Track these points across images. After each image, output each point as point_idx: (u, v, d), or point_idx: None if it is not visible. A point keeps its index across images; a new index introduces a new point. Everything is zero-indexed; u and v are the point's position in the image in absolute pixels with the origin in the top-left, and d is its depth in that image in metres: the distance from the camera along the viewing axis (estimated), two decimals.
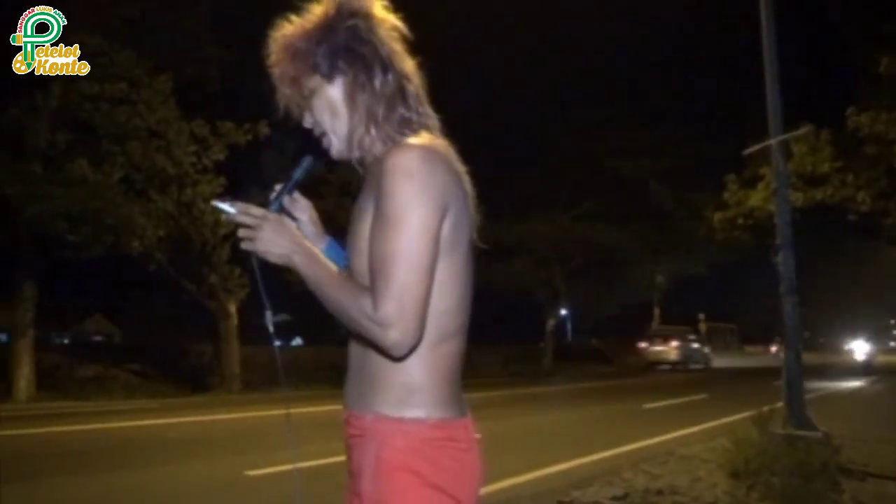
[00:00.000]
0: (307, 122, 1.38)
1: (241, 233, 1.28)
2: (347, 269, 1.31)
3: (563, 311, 31.73)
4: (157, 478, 6.10)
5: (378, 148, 1.32)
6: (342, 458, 1.35)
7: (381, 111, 1.31)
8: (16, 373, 13.05)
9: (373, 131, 1.31)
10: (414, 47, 1.37)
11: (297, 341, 33.42)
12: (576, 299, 30.49)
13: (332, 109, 1.34)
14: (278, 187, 1.38)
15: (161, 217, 13.93)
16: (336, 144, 1.36)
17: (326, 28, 1.31)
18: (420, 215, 1.18)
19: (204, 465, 6.60)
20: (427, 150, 1.24)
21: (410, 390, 1.24)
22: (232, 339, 15.71)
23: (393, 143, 1.29)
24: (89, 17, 12.77)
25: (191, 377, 15.95)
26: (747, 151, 7.96)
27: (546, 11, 27.09)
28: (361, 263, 1.25)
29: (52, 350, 18.33)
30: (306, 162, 1.37)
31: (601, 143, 25.47)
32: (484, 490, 4.43)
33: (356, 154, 1.36)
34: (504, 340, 28.15)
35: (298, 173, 1.38)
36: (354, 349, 1.32)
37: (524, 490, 5.54)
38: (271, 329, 1.40)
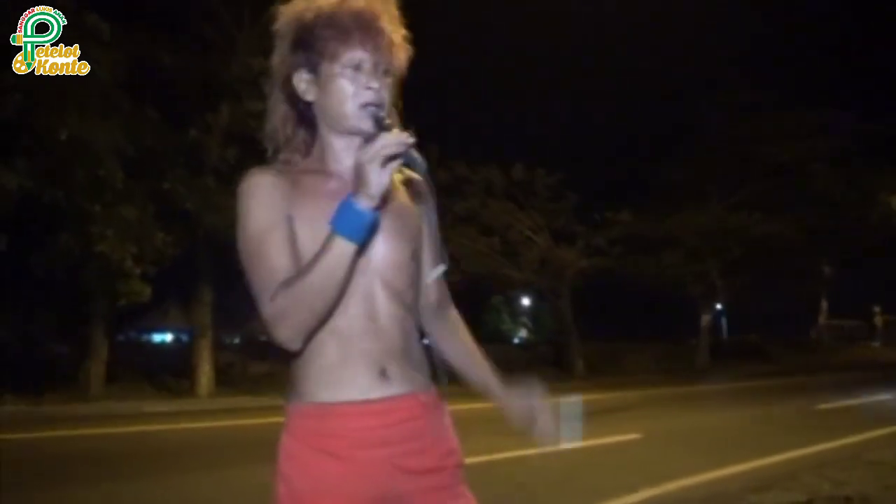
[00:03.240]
0: (374, 89, 1.34)
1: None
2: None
3: (718, 307, 30.15)
4: None
5: None
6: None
7: None
8: (198, 370, 14.33)
9: None
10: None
11: None
12: (732, 294, 28.82)
13: (395, 96, 1.39)
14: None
15: None
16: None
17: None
18: None
19: None
20: None
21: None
22: None
23: None
24: (258, 43, 13.80)
25: None
26: None
27: None
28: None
29: (226, 349, 19.94)
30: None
31: (756, 127, 23.97)
32: (651, 492, 4.32)
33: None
34: (654, 338, 27.23)
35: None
36: (397, 333, 1.35)
37: (694, 493, 5.35)
38: (429, 280, 1.46)
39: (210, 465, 6.50)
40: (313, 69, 1.34)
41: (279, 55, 1.39)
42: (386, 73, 1.35)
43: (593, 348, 23.66)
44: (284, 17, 1.38)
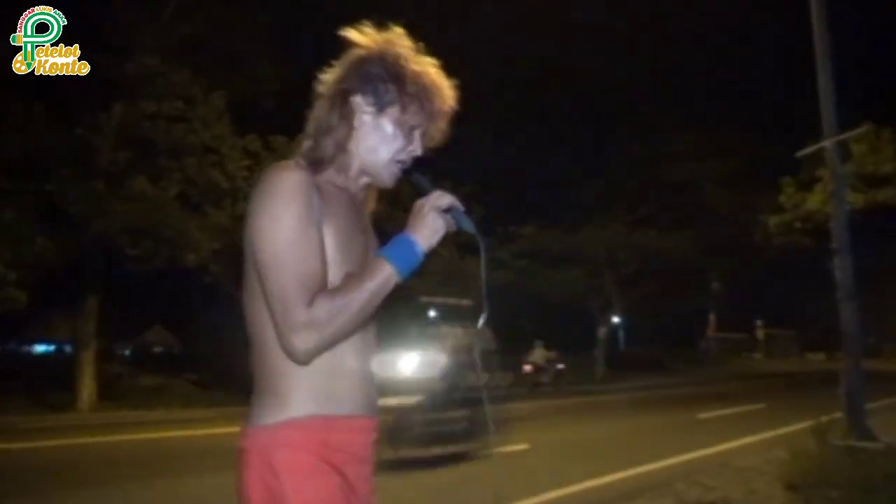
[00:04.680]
0: (415, 155, 1.47)
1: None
2: None
3: (616, 319, 31.26)
4: (209, 485, 6.24)
5: None
6: None
7: None
8: (79, 383, 13.52)
9: None
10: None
11: None
12: (629, 307, 29.99)
13: None
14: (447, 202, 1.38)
15: (215, 230, 14.30)
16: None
17: None
18: None
19: None
20: None
21: None
22: None
23: None
24: (150, 40, 13.29)
25: (246, 387, 16.21)
26: (801, 154, 7.74)
27: (599, 18, 26.92)
28: None
29: (115, 360, 18.97)
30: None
31: (655, 149, 25.14)
32: (532, 501, 4.39)
33: None
34: (556, 349, 27.82)
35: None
36: (373, 351, 1.41)
37: (571, 501, 5.49)
38: (479, 327, 1.45)
39: (80, 484, 6.15)
40: (380, 106, 1.40)
41: (348, 71, 1.42)
42: (425, 146, 1.46)
43: None
44: (382, 45, 1.41)
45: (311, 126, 1.43)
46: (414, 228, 1.32)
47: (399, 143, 1.42)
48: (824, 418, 6.55)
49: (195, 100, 13.78)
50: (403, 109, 1.40)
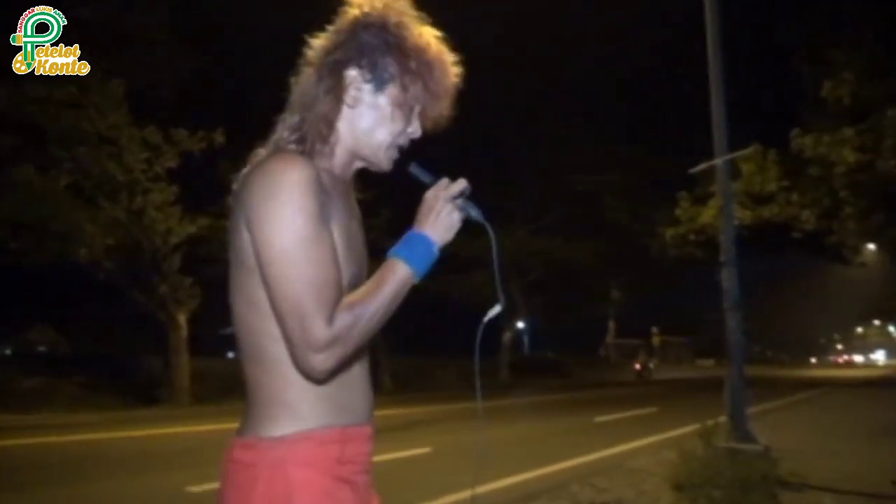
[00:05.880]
0: (415, 137, 1.36)
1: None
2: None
3: (520, 325, 31.93)
4: (94, 494, 5.92)
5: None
6: None
7: None
8: None
9: None
10: None
11: None
12: (533, 313, 30.74)
13: None
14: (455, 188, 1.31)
15: (110, 225, 13.62)
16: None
17: None
18: None
19: (144, 480, 6.44)
20: None
21: None
22: (182, 352, 15.38)
23: None
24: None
25: (139, 390, 15.57)
26: (694, 170, 8.14)
27: (502, 30, 27.45)
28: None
29: None
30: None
31: (559, 159, 25.87)
32: None
33: None
34: (461, 354, 28.14)
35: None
36: (366, 360, 1.31)
37: None
38: (486, 318, 1.37)
39: None
40: (379, 83, 1.27)
41: (341, 38, 1.26)
42: (426, 128, 1.35)
43: (403, 364, 23.95)
44: (382, 9, 1.26)
45: (295, 99, 1.28)
46: (428, 224, 1.25)
47: (399, 124, 1.29)
48: (710, 422, 6.89)
49: (90, 86, 13.07)
50: (404, 89, 1.27)
